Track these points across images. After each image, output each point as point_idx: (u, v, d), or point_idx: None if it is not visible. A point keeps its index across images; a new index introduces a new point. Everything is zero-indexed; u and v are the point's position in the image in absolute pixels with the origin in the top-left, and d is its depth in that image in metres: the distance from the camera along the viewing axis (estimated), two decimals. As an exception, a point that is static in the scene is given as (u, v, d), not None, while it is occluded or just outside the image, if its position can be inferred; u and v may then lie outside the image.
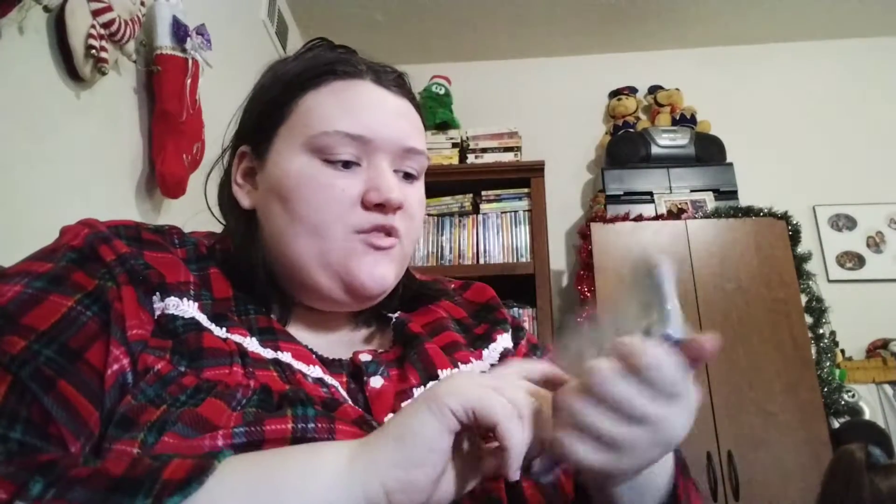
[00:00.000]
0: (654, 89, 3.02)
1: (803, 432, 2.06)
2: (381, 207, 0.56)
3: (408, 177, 0.60)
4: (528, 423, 0.40)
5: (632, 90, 3.03)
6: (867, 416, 2.24)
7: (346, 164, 0.56)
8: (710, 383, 2.13)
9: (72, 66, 1.31)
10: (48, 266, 0.48)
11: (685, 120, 2.86)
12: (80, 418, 0.43)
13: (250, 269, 0.58)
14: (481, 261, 2.49)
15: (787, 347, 2.17)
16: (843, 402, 2.17)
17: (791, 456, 2.03)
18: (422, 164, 0.61)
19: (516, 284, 2.39)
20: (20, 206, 1.19)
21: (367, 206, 0.56)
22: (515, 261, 2.46)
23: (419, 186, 0.62)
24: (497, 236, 2.53)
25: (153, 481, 0.35)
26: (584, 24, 2.98)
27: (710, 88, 3.03)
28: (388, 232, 0.57)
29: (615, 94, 3.04)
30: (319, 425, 0.45)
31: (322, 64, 0.60)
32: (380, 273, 0.56)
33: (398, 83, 0.61)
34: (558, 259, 2.84)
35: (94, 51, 1.31)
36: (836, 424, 2.16)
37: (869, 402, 2.28)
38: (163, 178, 1.56)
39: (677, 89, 2.97)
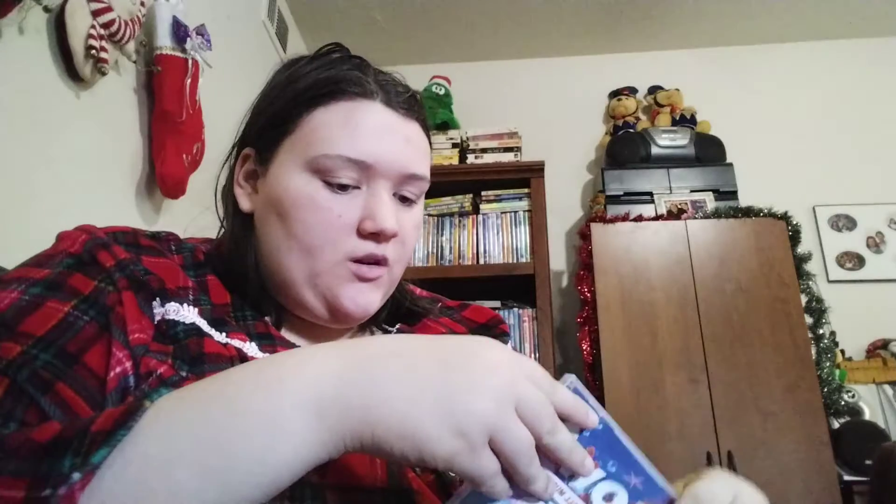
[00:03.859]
0: (653, 89, 3.02)
1: (803, 432, 2.06)
2: (376, 236, 0.57)
3: (406, 200, 0.61)
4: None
5: (632, 90, 3.03)
6: (867, 416, 2.24)
7: (345, 188, 0.57)
8: (711, 383, 2.13)
9: (72, 66, 1.31)
10: (45, 272, 0.48)
11: (685, 120, 2.86)
12: None
13: (243, 273, 0.59)
14: (481, 261, 2.48)
15: (787, 348, 2.17)
16: (843, 403, 2.18)
17: (791, 456, 2.03)
18: (422, 189, 0.61)
19: (516, 285, 2.39)
20: (20, 206, 1.19)
21: (361, 233, 0.56)
22: (515, 261, 2.46)
23: (417, 209, 0.62)
24: (497, 237, 2.53)
25: (82, 437, 0.34)
26: (583, 24, 2.98)
27: (710, 89, 3.04)
28: (379, 261, 0.58)
29: (615, 94, 3.04)
30: None
31: (333, 81, 0.59)
32: (364, 301, 0.57)
33: (408, 104, 0.61)
34: (558, 259, 2.84)
35: (94, 51, 1.31)
36: (836, 425, 2.17)
37: (869, 402, 2.28)
38: (163, 179, 1.56)
39: (677, 89, 2.97)
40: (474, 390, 0.36)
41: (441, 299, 0.74)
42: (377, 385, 0.36)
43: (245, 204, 0.61)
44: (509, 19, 2.94)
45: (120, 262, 0.50)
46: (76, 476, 0.32)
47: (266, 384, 0.37)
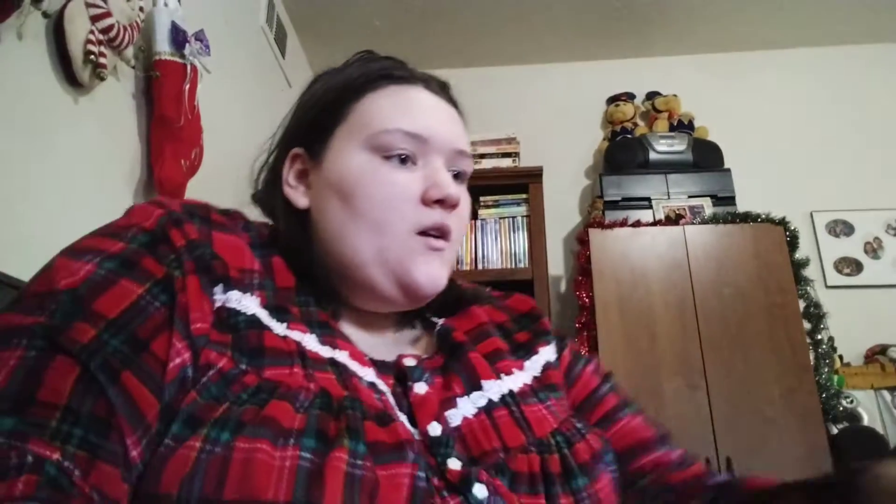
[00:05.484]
0: (651, 95, 3.03)
1: (802, 438, 2.06)
2: (441, 203, 0.58)
3: (457, 177, 0.62)
4: None
5: (630, 96, 3.04)
6: (865, 421, 2.24)
7: (404, 161, 0.58)
8: (709, 389, 2.13)
9: (70, 71, 1.31)
10: (120, 245, 0.48)
11: (683, 126, 2.87)
12: (140, 411, 0.43)
13: (307, 269, 0.59)
14: (479, 266, 2.48)
15: (785, 353, 2.17)
16: (841, 408, 2.17)
17: (789, 462, 2.03)
18: (470, 167, 0.64)
19: (514, 290, 2.38)
20: (19, 211, 1.19)
21: (426, 202, 0.58)
22: (514, 267, 2.46)
23: (465, 189, 0.64)
24: (495, 242, 2.53)
25: None
26: (582, 30, 2.99)
27: (707, 94, 3.04)
28: (444, 232, 0.59)
29: (613, 100, 3.05)
30: (367, 464, 0.44)
31: (379, 69, 0.63)
32: (436, 274, 0.58)
33: (444, 90, 0.66)
34: (556, 265, 2.84)
35: (92, 56, 1.31)
36: (834, 430, 2.16)
37: (867, 407, 2.28)
38: (161, 184, 1.56)
39: (675, 95, 2.98)
40: None
41: (482, 288, 0.76)
42: None
43: (302, 201, 0.62)
44: (507, 25, 2.95)
45: (190, 243, 0.50)
46: None
47: None
